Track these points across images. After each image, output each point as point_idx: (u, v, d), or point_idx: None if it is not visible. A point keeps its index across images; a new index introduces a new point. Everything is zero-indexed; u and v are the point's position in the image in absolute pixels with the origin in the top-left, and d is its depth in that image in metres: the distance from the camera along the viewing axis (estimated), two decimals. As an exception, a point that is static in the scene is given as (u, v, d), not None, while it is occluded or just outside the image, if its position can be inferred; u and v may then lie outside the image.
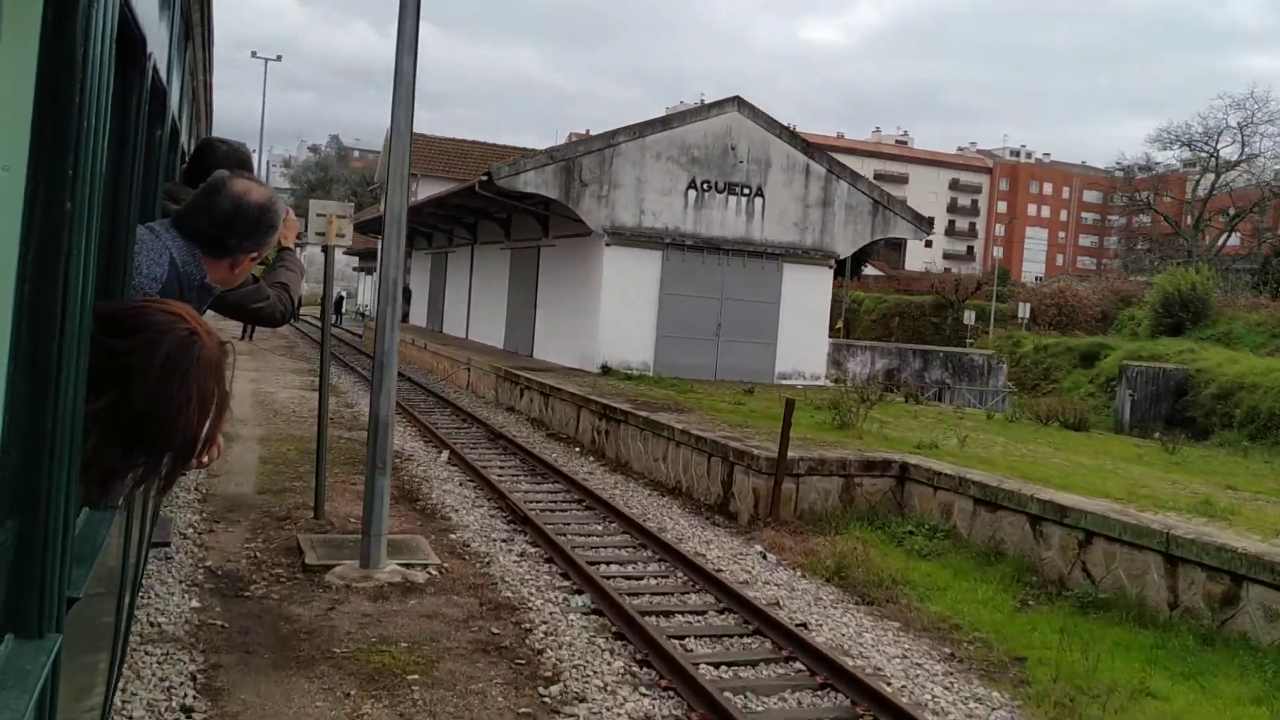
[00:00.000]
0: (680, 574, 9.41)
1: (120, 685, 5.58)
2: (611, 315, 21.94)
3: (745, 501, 11.91)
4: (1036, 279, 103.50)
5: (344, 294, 59.68)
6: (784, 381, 23.28)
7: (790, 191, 23.15)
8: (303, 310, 58.35)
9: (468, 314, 32.49)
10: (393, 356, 8.49)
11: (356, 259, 66.36)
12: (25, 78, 1.21)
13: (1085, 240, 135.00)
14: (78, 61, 1.30)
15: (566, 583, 8.88)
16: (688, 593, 8.89)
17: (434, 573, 8.69)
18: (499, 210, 28.24)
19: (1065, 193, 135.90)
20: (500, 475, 13.66)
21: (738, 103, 22.66)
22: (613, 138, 21.92)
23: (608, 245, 21.91)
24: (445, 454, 14.97)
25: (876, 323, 56.59)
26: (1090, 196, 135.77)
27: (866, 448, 12.81)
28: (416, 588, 8.27)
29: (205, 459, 1.94)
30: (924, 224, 24.37)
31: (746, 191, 22.84)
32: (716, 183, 22.61)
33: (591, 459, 15.92)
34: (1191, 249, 63.29)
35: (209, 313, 2.98)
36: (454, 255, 34.97)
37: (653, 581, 9.21)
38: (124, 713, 5.61)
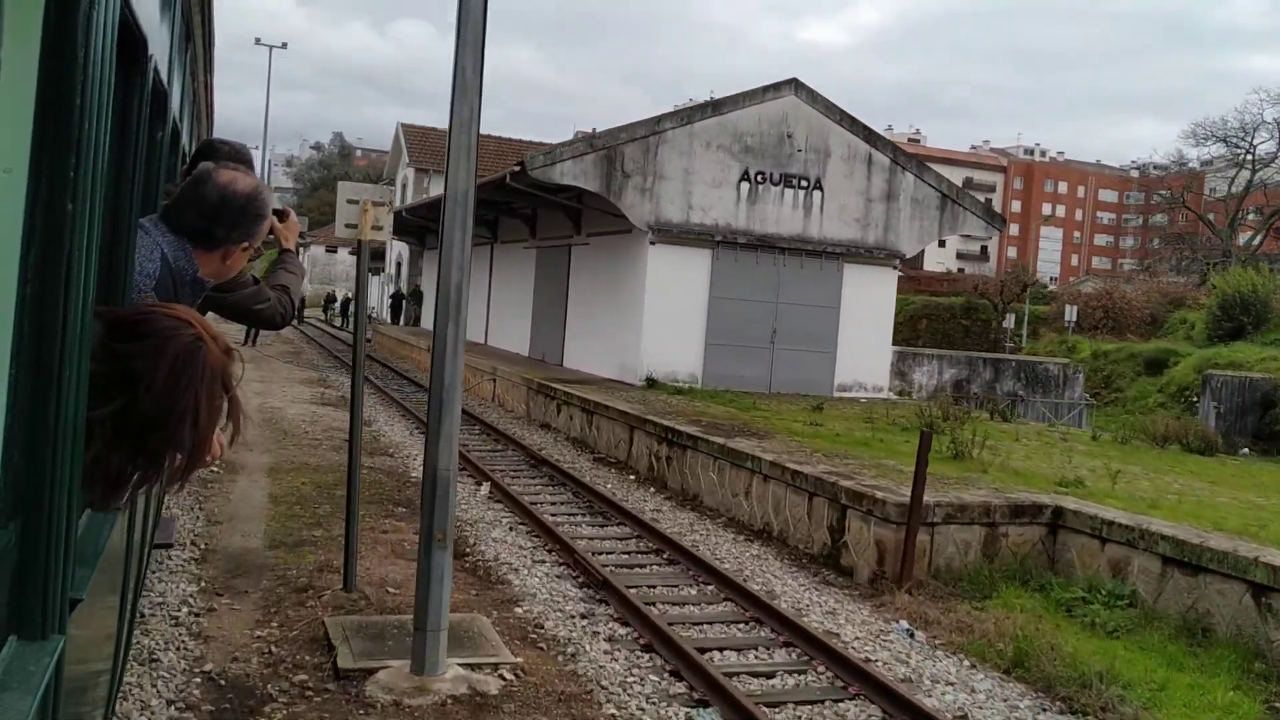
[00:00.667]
0: (821, 667, 7.23)
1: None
2: (656, 321, 19.77)
3: (864, 555, 9.73)
4: (1051, 279, 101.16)
5: (349, 295, 57.51)
6: (844, 394, 21.11)
7: (851, 184, 20.98)
8: (306, 312, 56.09)
9: (487, 318, 30.33)
10: (456, 391, 6.32)
11: (363, 259, 64.36)
12: (27, 79, 1.19)
13: (1100, 240, 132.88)
14: (79, 63, 1.30)
15: (681, 686, 6.72)
16: (842, 699, 6.72)
17: (509, 676, 6.52)
18: (523, 205, 26.11)
19: (1080, 192, 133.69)
20: (555, 516, 11.50)
21: (795, 85, 20.49)
22: (658, 124, 19.76)
23: (652, 244, 19.74)
24: (486, 486, 12.80)
25: (903, 325, 54.25)
26: (1106, 196, 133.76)
27: (1004, 486, 10.64)
28: (490, 704, 6.10)
29: (210, 456, 1.95)
30: (996, 220, 22.20)
31: (804, 184, 20.67)
32: (771, 174, 20.44)
33: (652, 490, 13.75)
34: (1229, 248, 61.11)
35: (210, 315, 2.89)
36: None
37: (790, 680, 7.04)
38: None
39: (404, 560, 9.09)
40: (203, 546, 9.05)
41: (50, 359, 1.28)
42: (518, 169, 18.88)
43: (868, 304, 21.19)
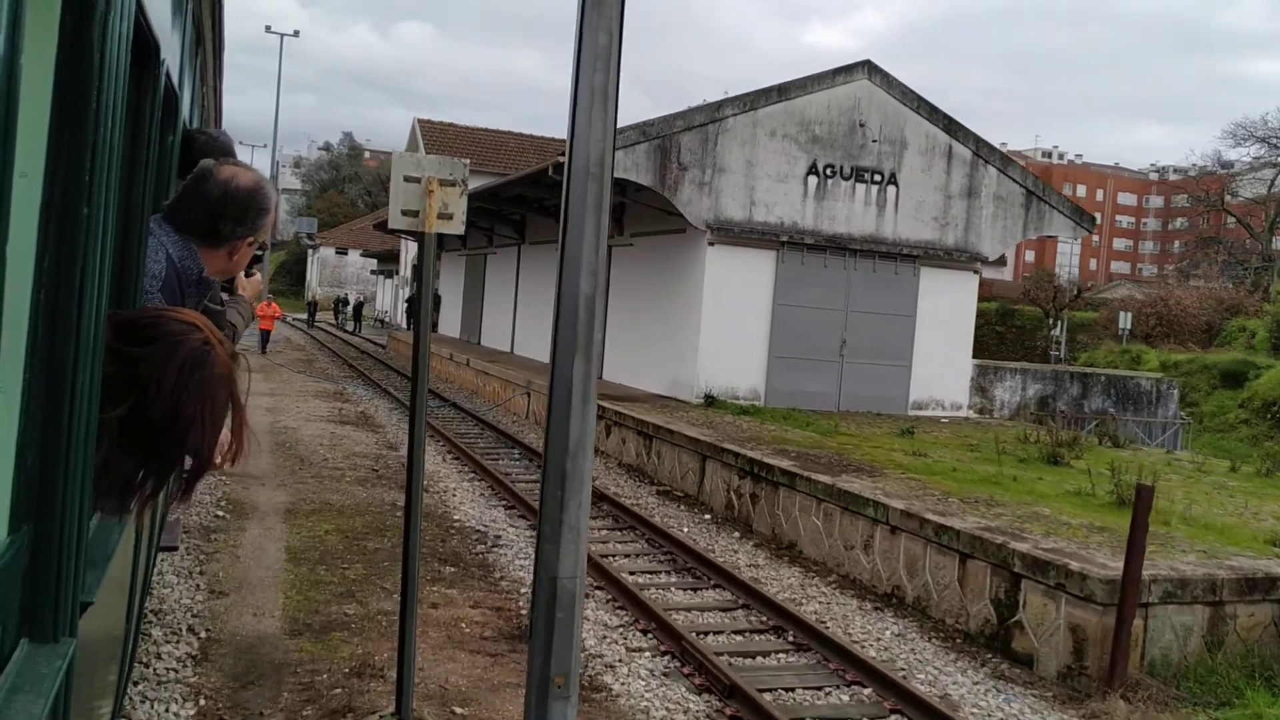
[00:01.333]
0: (1078, 841, 5.09)
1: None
2: (714, 332, 17.64)
3: (1051, 642, 7.59)
4: (1069, 283, 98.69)
5: (362, 299, 55.35)
6: (920, 413, 18.96)
7: (929, 179, 18.84)
8: (318, 316, 53.93)
9: (514, 325, 28.23)
10: (584, 460, 4.19)
11: (375, 261, 62.13)
12: (43, 84, 1.19)
13: (1119, 244, 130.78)
14: (95, 68, 1.30)
15: None
16: None
17: None
18: (554, 202, 24.01)
19: (1099, 195, 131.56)
20: (635, 575, 9.39)
21: (868, 68, 18.37)
22: (718, 110, 17.64)
23: (711, 245, 17.61)
24: (544, 534, 10.65)
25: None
26: (1125, 199, 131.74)
27: (1212, 549, 8.48)
28: None
29: (228, 462, 2.00)
30: (1085, 220, 20.04)
31: (877, 178, 18.54)
32: (842, 167, 18.31)
33: (737, 535, 11.63)
34: (1269, 253, 58.83)
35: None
36: (495, 257, 30.71)
37: None
38: None
39: (465, 653, 6.99)
40: (203, 634, 6.93)
41: (64, 364, 1.28)
42: (562, 159, 16.75)
43: (946, 312, 19.04)
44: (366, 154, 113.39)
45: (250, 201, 2.58)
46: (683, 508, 12.95)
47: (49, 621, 1.33)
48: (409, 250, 45.22)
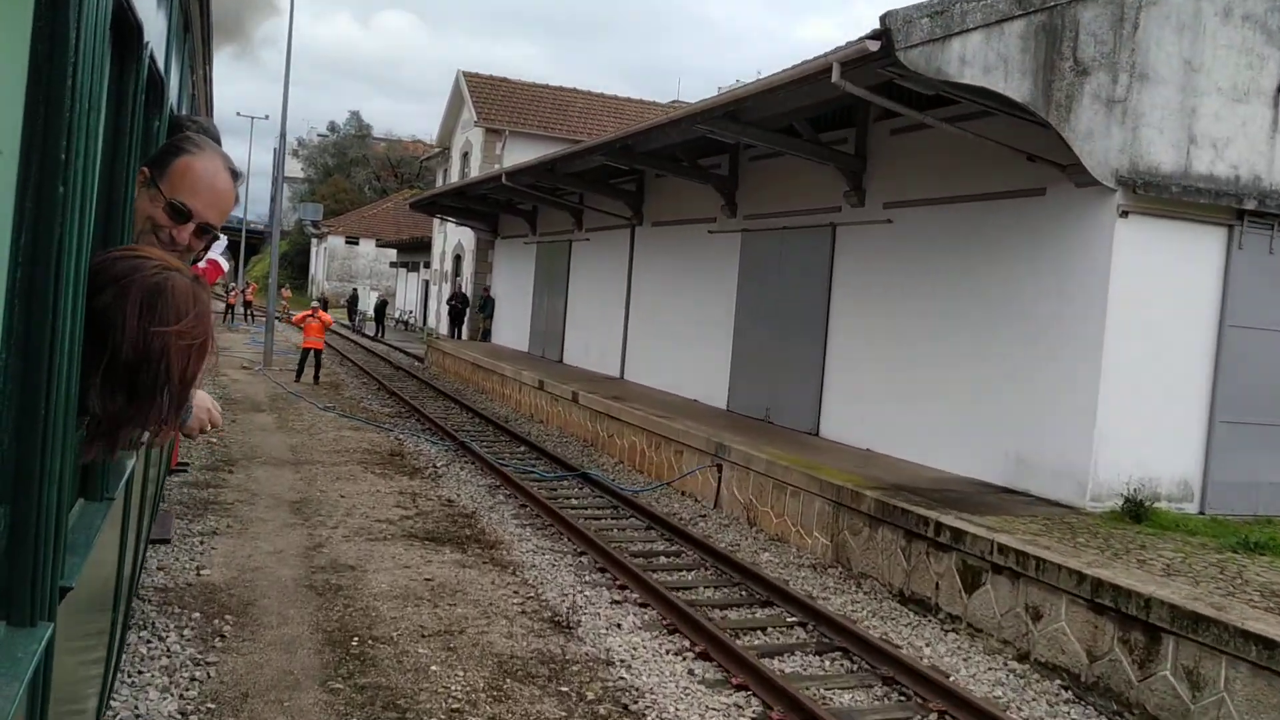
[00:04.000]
0: None
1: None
2: (1121, 376, 9.55)
3: None
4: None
5: (383, 297, 47.01)
6: None
7: None
8: (331, 316, 45.63)
9: (624, 340, 20.10)
10: None
11: (394, 251, 53.88)
12: (17, 60, 1.15)
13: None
14: (70, 45, 1.27)
15: None
16: None
17: None
18: (714, 160, 16.04)
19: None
20: None
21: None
22: (1140, -36, 9.50)
23: (1123, 215, 9.52)
24: None
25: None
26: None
27: None
28: None
29: (206, 428, 2.16)
30: None
31: (1386, 99, 10.46)
32: (1332, 77, 10.23)
33: None
34: None
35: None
36: (588, 245, 22.57)
37: None
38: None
39: None
40: None
41: (41, 344, 1.26)
42: (877, 44, 8.61)
43: None
44: (369, 139, 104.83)
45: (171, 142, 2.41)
46: None
47: (25, 605, 1.31)
48: (447, 236, 36.94)
